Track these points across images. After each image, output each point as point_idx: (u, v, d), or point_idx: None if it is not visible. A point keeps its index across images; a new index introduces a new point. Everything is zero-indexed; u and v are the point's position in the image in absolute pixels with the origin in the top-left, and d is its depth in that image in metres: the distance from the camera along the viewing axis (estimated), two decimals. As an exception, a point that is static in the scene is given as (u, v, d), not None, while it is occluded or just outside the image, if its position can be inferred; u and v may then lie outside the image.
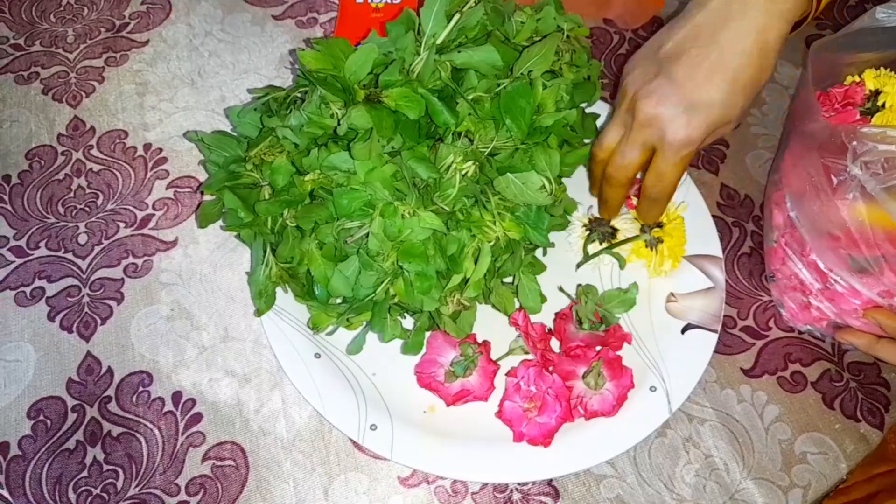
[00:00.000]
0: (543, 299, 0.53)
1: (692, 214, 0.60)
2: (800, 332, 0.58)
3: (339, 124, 0.48)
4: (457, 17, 0.50)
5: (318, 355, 0.54)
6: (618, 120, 0.53)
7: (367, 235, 0.49)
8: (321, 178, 0.50)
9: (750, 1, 0.47)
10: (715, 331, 0.55)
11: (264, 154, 0.52)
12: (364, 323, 0.53)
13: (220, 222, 0.57)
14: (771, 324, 0.58)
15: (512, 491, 0.51)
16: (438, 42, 0.49)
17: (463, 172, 0.48)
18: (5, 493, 0.50)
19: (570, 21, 0.56)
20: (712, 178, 0.65)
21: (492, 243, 0.50)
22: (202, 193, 0.63)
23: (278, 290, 0.55)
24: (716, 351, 0.55)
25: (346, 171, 0.49)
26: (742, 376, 0.56)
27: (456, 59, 0.49)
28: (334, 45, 0.49)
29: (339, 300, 0.53)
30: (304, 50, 0.49)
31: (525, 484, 0.51)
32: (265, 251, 0.53)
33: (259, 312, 0.54)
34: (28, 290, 0.59)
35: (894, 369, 0.56)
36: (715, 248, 0.59)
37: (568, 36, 0.56)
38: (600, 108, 0.64)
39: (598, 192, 0.58)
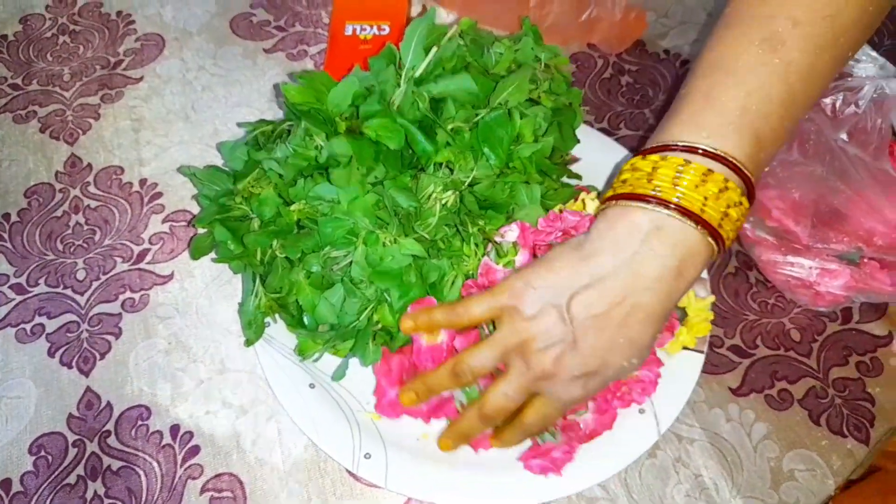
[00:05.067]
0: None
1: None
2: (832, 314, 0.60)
3: (325, 152, 0.50)
4: (434, 49, 0.52)
5: (312, 385, 0.55)
6: (498, 347, 0.47)
7: (351, 263, 0.51)
8: (307, 207, 0.51)
9: (664, 263, 0.44)
10: (702, 351, 0.56)
11: (252, 187, 0.53)
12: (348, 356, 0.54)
13: (213, 254, 0.59)
14: (758, 342, 0.59)
15: (504, 515, 0.52)
16: (417, 74, 0.51)
17: (443, 202, 0.50)
18: (8, 529, 0.52)
19: (548, 51, 0.57)
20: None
21: (469, 273, 0.51)
22: (195, 227, 0.64)
23: (275, 320, 0.56)
24: (703, 371, 0.56)
25: (330, 200, 0.50)
26: (730, 395, 0.57)
27: (433, 89, 0.50)
28: (317, 78, 0.51)
29: (327, 327, 0.54)
30: (287, 84, 0.50)
31: (517, 508, 0.52)
32: (255, 282, 0.55)
33: (248, 343, 0.55)
34: (28, 326, 0.60)
35: (879, 384, 0.57)
36: (700, 268, 0.60)
37: (547, 65, 0.57)
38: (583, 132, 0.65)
39: (458, 427, 0.50)
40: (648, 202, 0.44)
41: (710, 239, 0.43)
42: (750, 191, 0.45)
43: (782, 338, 0.59)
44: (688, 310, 0.56)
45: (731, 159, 0.43)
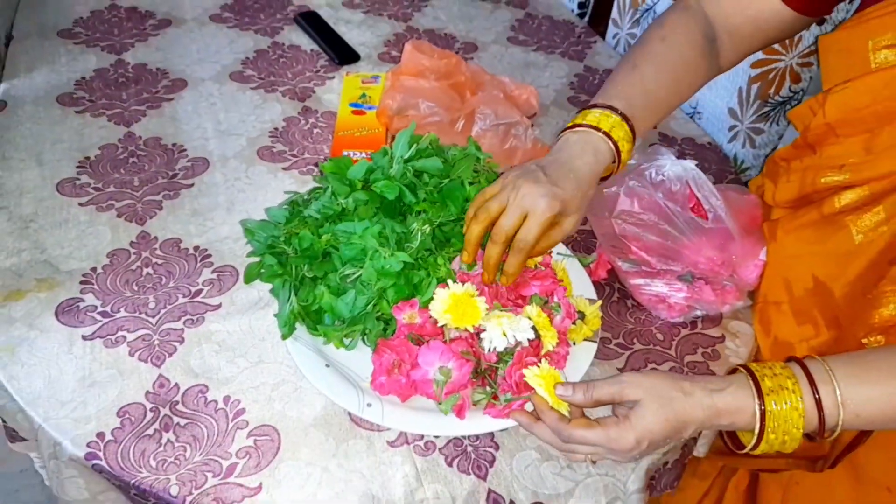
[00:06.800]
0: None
1: (577, 277, 0.90)
2: (683, 323, 0.87)
3: (345, 204, 0.78)
4: (415, 145, 0.83)
5: (328, 365, 0.78)
6: (500, 196, 0.75)
7: (359, 277, 0.77)
8: (332, 238, 0.78)
9: (587, 150, 0.78)
10: (595, 341, 0.82)
11: (293, 228, 0.80)
12: (358, 335, 0.78)
13: (257, 283, 0.83)
14: (634, 341, 0.86)
15: (466, 445, 0.74)
16: (405, 157, 0.81)
17: (422, 232, 0.78)
18: (103, 464, 0.70)
19: (484, 155, 0.89)
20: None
21: (440, 278, 0.78)
22: (248, 257, 0.89)
23: (301, 325, 0.80)
24: (598, 357, 0.82)
25: (348, 232, 0.77)
26: (617, 372, 0.82)
27: (416, 164, 0.80)
28: (342, 160, 0.81)
29: (341, 324, 0.78)
30: (324, 163, 0.80)
31: (476, 439, 0.74)
32: (290, 294, 0.79)
33: (284, 336, 0.78)
34: (113, 338, 0.81)
35: (716, 364, 0.84)
36: (592, 294, 0.88)
37: (485, 164, 0.89)
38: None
39: (486, 256, 0.77)
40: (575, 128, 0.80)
41: (609, 143, 0.78)
42: (631, 127, 0.80)
43: (651, 338, 0.86)
44: (584, 311, 0.83)
45: (617, 108, 0.79)
